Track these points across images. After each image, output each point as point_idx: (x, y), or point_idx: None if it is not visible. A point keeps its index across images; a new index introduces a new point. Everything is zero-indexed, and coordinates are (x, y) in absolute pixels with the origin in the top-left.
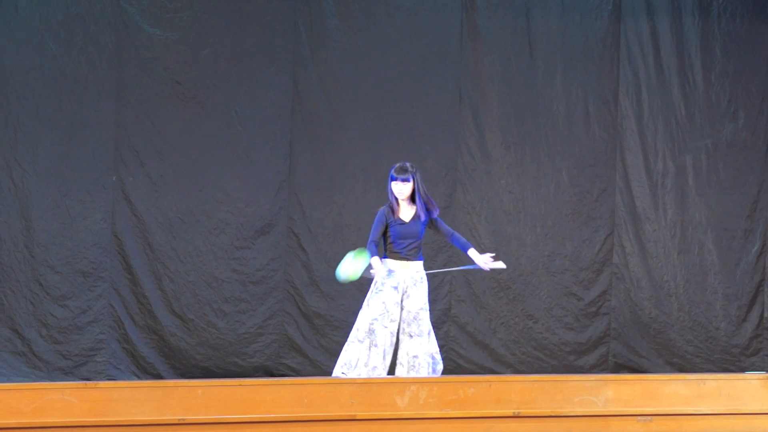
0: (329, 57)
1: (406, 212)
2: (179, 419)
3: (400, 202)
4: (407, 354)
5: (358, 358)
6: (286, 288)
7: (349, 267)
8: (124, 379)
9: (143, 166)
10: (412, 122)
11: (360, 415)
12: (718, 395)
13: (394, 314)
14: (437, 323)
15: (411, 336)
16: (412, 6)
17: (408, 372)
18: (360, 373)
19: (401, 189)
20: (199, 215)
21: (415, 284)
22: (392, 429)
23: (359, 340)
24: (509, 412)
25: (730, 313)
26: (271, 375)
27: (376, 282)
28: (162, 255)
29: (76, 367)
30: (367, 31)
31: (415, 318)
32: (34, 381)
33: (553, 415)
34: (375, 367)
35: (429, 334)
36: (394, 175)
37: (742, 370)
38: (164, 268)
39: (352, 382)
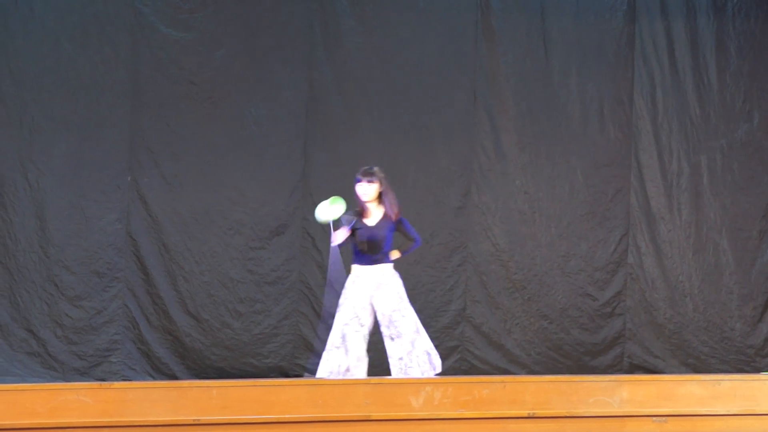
0: (344, 57)
1: (374, 215)
2: (194, 420)
3: (367, 205)
4: (392, 357)
5: (339, 364)
6: (300, 288)
7: (326, 211)
8: (139, 380)
9: (158, 167)
10: (426, 122)
11: (375, 415)
12: (733, 396)
13: (363, 318)
14: (452, 324)
15: (392, 339)
16: (427, 6)
17: (400, 374)
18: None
19: (365, 190)
20: (213, 215)
21: (379, 287)
22: (407, 429)
23: (336, 347)
24: (524, 412)
25: (746, 313)
26: (286, 375)
27: (345, 287)
28: (177, 255)
29: (91, 367)
30: (381, 31)
31: (390, 321)
32: (50, 381)
33: (568, 415)
34: (347, 369)
35: (417, 332)
36: (359, 176)
37: (758, 370)
38: (179, 269)
39: (367, 382)
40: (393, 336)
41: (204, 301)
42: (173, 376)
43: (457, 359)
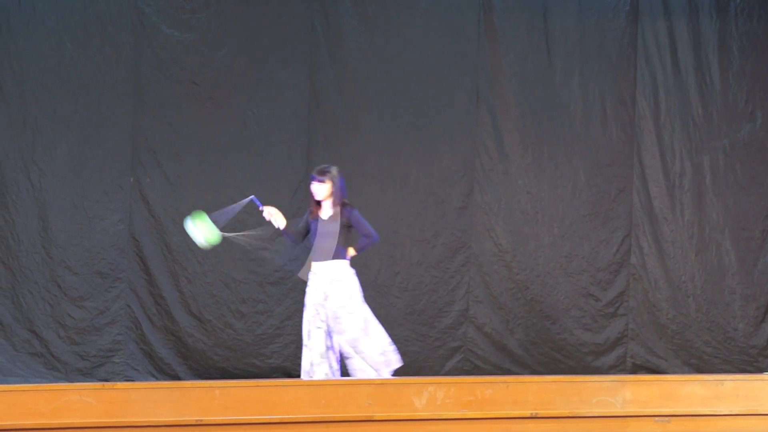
0: (346, 57)
1: (326, 212)
2: (197, 420)
3: (322, 203)
4: (345, 346)
5: (307, 361)
6: (303, 288)
7: (200, 232)
8: (141, 380)
9: (160, 167)
10: (429, 122)
11: (377, 416)
12: (736, 396)
13: (323, 314)
14: (455, 324)
15: (340, 333)
16: (429, 6)
17: (357, 356)
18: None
19: (316, 189)
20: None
21: (331, 283)
22: (410, 430)
23: (305, 345)
24: (527, 413)
25: (748, 313)
26: (289, 376)
27: (307, 285)
28: (179, 256)
29: (93, 368)
30: (384, 31)
31: (336, 317)
32: (52, 382)
33: (570, 416)
34: (311, 366)
35: (364, 331)
36: (313, 174)
37: (761, 370)
38: (182, 269)
39: (370, 383)
40: (340, 331)
41: (206, 301)
42: (176, 377)
43: (460, 359)
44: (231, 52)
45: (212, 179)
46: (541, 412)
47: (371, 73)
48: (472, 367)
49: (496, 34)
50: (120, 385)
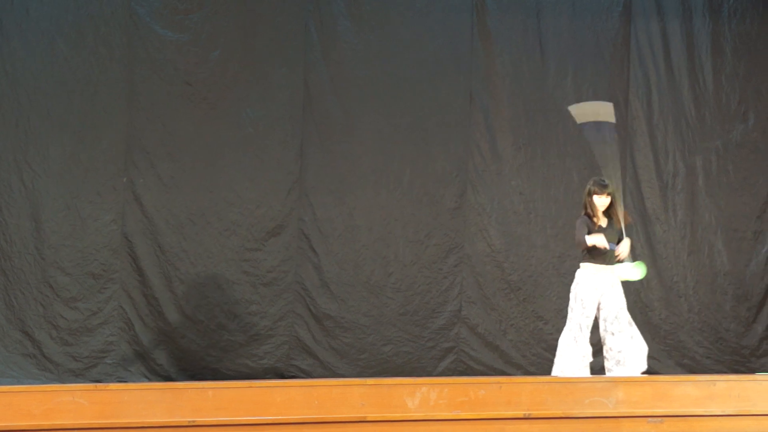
0: (340, 58)
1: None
2: (190, 421)
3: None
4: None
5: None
6: (296, 289)
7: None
8: (134, 381)
9: (154, 168)
10: (423, 123)
11: (370, 416)
12: (728, 396)
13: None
14: (448, 325)
15: (613, 333)
16: (423, 7)
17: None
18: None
19: (603, 202)
20: (209, 217)
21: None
22: (403, 431)
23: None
24: (520, 413)
25: (740, 314)
26: (282, 377)
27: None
28: (172, 256)
29: (86, 369)
30: (378, 32)
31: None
32: (45, 383)
33: (563, 416)
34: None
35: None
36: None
37: (753, 371)
38: (174, 270)
39: (363, 383)
40: (611, 332)
41: (199, 302)
42: (168, 378)
43: (453, 360)
44: (225, 52)
45: (206, 180)
46: (534, 413)
47: (365, 74)
48: (465, 368)
49: (490, 35)
50: (112, 386)
